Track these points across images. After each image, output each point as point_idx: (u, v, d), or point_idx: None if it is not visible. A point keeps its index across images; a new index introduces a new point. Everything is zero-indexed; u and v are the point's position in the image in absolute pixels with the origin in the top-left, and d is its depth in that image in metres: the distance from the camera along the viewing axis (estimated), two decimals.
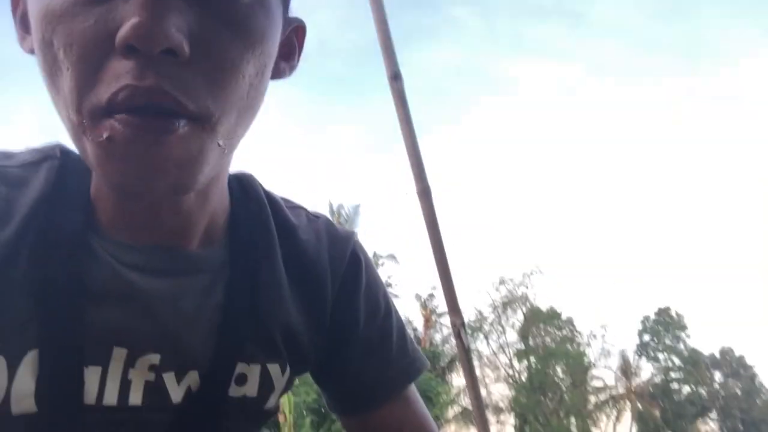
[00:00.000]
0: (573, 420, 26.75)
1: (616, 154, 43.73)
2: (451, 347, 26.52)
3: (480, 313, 28.51)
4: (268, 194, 0.67)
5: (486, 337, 28.43)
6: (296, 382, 0.68)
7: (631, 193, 42.98)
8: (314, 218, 0.70)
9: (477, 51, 42.13)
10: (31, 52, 0.48)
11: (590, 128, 41.37)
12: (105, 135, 0.42)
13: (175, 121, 0.42)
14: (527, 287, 28.48)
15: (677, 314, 31.06)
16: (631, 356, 29.73)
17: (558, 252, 42.17)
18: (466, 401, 23.27)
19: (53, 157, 0.56)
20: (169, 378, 0.55)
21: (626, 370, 28.79)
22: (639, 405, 28.01)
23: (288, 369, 0.62)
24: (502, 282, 28.78)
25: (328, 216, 0.72)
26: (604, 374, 30.47)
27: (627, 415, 27.78)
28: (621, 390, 28.19)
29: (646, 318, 31.37)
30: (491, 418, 26.75)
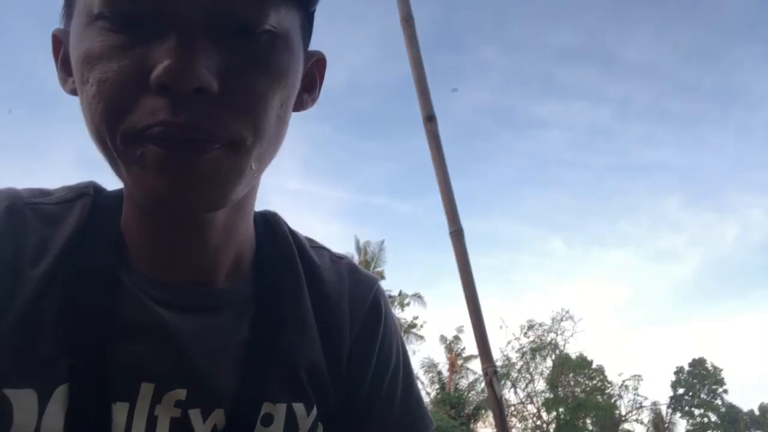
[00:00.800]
0: None
1: (649, 191, 43.07)
2: (476, 393, 25.90)
3: (507, 358, 27.87)
4: (292, 232, 0.68)
5: (513, 385, 27.68)
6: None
7: (668, 236, 42.07)
8: (337, 259, 0.70)
9: (506, 91, 42.44)
10: (72, 92, 0.51)
11: (622, 168, 41.00)
12: (139, 152, 0.45)
13: (207, 145, 0.45)
14: (557, 333, 27.86)
15: (713, 366, 29.93)
16: (664, 410, 28.64)
17: (588, 296, 41.30)
18: None
19: (87, 194, 0.59)
20: (194, 415, 0.55)
21: (659, 425, 27.67)
22: None
23: (314, 410, 0.62)
24: (531, 326, 28.18)
25: (354, 252, 0.72)
26: (636, 428, 29.32)
27: None
28: None
29: (680, 369, 30.30)
30: None
